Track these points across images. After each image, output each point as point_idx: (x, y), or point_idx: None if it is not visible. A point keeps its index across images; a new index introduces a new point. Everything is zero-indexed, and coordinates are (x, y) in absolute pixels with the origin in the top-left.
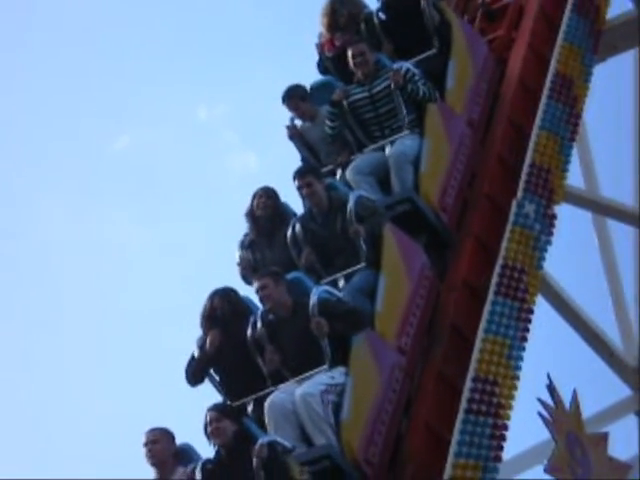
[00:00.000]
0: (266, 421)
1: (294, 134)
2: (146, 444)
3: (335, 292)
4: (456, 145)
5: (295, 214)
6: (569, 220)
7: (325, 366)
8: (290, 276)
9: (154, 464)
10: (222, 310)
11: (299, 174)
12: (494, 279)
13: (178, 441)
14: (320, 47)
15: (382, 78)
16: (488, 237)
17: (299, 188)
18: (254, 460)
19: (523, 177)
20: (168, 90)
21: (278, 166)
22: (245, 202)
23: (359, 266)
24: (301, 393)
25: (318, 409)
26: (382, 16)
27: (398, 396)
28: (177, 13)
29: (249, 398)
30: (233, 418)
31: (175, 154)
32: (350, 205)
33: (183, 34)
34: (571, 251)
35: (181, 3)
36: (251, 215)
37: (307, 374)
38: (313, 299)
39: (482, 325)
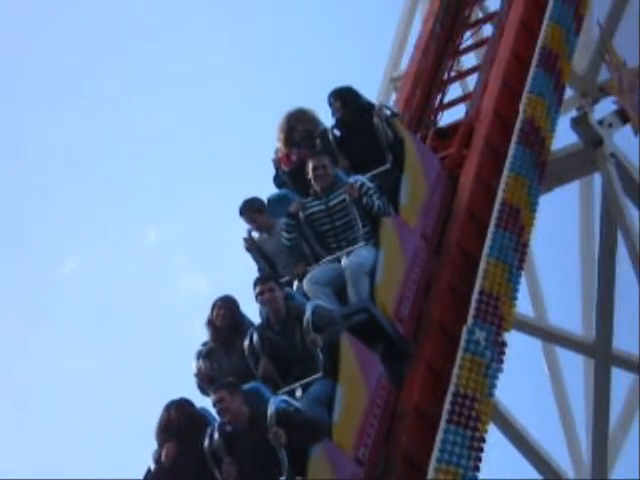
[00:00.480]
0: None
1: (251, 246)
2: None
3: (293, 402)
4: (411, 257)
5: (253, 324)
6: (519, 348)
7: (283, 478)
8: (248, 386)
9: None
10: (178, 422)
11: (261, 280)
12: (446, 407)
13: None
14: (276, 162)
15: (338, 192)
16: (439, 363)
17: (260, 293)
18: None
19: (473, 304)
20: (118, 212)
21: (228, 288)
22: (195, 324)
23: (316, 376)
24: None
25: None
26: (337, 132)
27: None
28: (126, 137)
29: None
30: None
31: (125, 277)
32: (307, 315)
33: (132, 157)
34: (522, 378)
35: (130, 128)
36: (211, 324)
37: None
38: (271, 409)
39: (435, 454)
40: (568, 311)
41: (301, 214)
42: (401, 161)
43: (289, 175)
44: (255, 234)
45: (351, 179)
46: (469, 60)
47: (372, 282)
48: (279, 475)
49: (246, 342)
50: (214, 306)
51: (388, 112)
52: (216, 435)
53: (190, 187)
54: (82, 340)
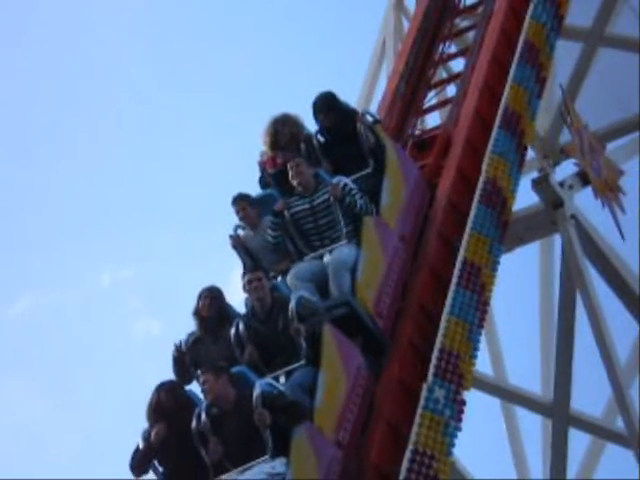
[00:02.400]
0: None
1: (237, 243)
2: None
3: (277, 386)
4: (390, 257)
5: (238, 314)
6: (478, 406)
7: (266, 456)
8: (234, 370)
9: None
10: (167, 403)
11: (250, 269)
12: (404, 465)
13: None
14: (262, 164)
15: (322, 191)
16: (399, 421)
17: (249, 282)
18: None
19: (433, 361)
20: (73, 253)
21: (182, 332)
22: (149, 367)
23: (299, 363)
24: None
25: None
26: (321, 138)
27: None
28: (83, 178)
29: None
30: None
31: (78, 319)
32: (292, 305)
33: (89, 198)
34: (480, 437)
35: (87, 170)
36: (197, 314)
37: (249, 464)
38: (256, 392)
39: None
40: (527, 371)
41: (286, 212)
42: (382, 166)
43: (274, 177)
44: (241, 232)
45: (335, 179)
46: (433, 119)
47: (353, 278)
48: (263, 454)
49: (232, 331)
50: (200, 296)
51: (370, 118)
52: (203, 416)
53: (145, 230)
54: (31, 383)
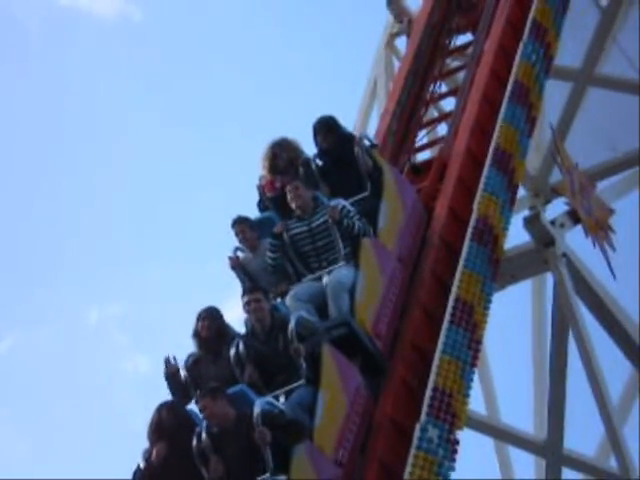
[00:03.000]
0: None
1: (236, 264)
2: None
3: (277, 404)
4: (388, 278)
5: (238, 334)
6: (471, 446)
7: (267, 475)
8: (233, 389)
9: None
10: (168, 422)
11: (249, 290)
12: None
13: None
14: (261, 188)
15: (320, 214)
16: (392, 461)
17: (247, 303)
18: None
19: (426, 401)
20: (59, 291)
21: None
22: (137, 404)
23: (299, 383)
24: None
25: None
26: (319, 162)
27: None
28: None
29: None
30: None
31: (64, 357)
32: (291, 325)
33: (75, 233)
34: (473, 477)
35: (73, 206)
36: (197, 335)
37: None
38: (256, 410)
39: None
40: (520, 410)
41: (285, 235)
42: (380, 189)
43: (272, 201)
44: (240, 254)
45: (333, 202)
46: (425, 157)
47: (352, 299)
48: (263, 473)
49: (232, 351)
50: (199, 318)
51: (368, 143)
52: (204, 435)
53: (133, 267)
54: (15, 423)
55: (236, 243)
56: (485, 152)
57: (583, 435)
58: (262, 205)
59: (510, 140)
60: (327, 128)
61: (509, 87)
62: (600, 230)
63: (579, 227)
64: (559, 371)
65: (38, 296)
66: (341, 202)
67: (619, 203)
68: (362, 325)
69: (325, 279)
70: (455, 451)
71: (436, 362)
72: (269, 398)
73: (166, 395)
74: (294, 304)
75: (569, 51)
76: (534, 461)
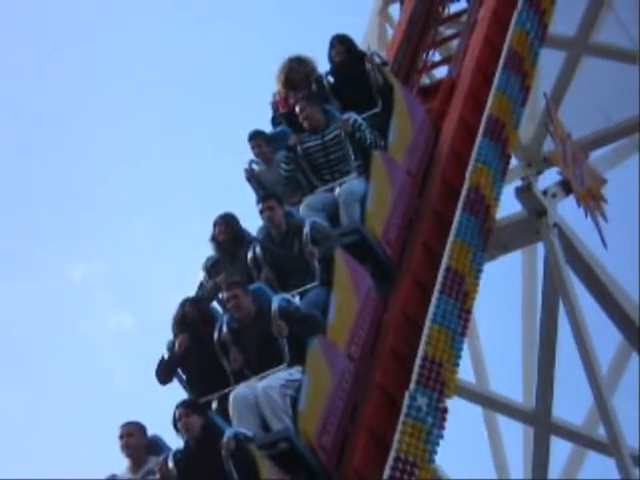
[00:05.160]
0: (230, 412)
1: (251, 176)
2: (121, 437)
3: (293, 301)
4: (397, 190)
5: (254, 237)
6: (460, 414)
7: (284, 365)
8: (253, 286)
9: (129, 455)
10: (192, 316)
11: (263, 198)
12: (386, 472)
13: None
14: (274, 104)
15: (332, 127)
16: (381, 429)
17: (261, 211)
18: (223, 452)
19: (416, 369)
20: (44, 246)
21: (155, 325)
22: (121, 361)
23: (313, 284)
24: (263, 386)
25: (278, 400)
26: (331, 79)
27: (347, 395)
28: (56, 173)
29: (214, 395)
30: (200, 413)
31: (48, 313)
32: (306, 229)
33: (59, 190)
34: (462, 445)
35: (60, 161)
36: (214, 240)
37: (267, 372)
38: (274, 305)
39: None
40: (509, 378)
41: (299, 148)
42: (390, 105)
43: (286, 117)
44: (255, 166)
45: (345, 115)
46: None
47: (363, 209)
48: (280, 364)
49: (249, 253)
50: (215, 224)
51: (379, 60)
52: (224, 328)
53: (117, 224)
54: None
55: (251, 156)
56: (478, 121)
57: (572, 404)
58: (275, 121)
59: (503, 109)
60: (342, 43)
61: (503, 55)
62: (592, 200)
63: (571, 197)
64: (549, 340)
65: (22, 252)
66: (353, 115)
67: (612, 173)
68: (372, 232)
69: (337, 190)
70: (444, 419)
71: (426, 331)
72: (286, 295)
73: (150, 353)
74: (307, 213)
75: (564, 19)
76: (522, 429)
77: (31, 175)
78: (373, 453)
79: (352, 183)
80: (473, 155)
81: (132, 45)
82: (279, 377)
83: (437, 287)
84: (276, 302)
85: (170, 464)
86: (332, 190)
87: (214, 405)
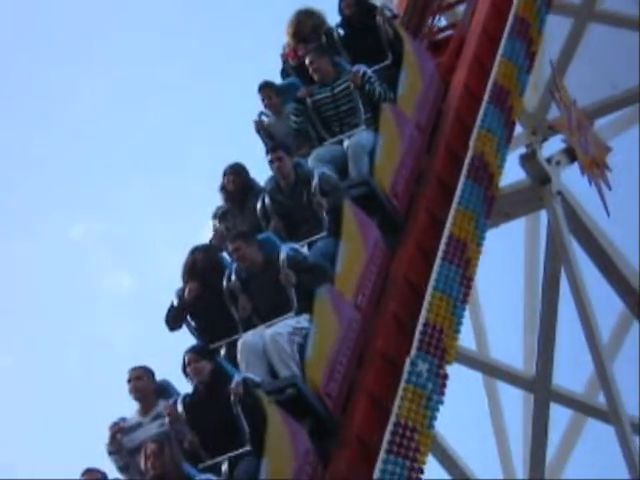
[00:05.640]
0: (238, 359)
1: (261, 128)
2: (129, 381)
3: (301, 250)
4: (406, 143)
5: (264, 188)
6: (460, 380)
7: (291, 313)
8: (261, 236)
9: (138, 398)
10: (202, 263)
11: (272, 149)
12: (386, 437)
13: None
14: (284, 56)
15: (342, 79)
16: (382, 394)
17: (270, 162)
18: (232, 396)
19: (417, 336)
20: (44, 205)
21: (153, 286)
22: (118, 321)
23: (321, 235)
24: (271, 333)
25: (286, 347)
26: (341, 31)
27: (354, 344)
28: (55, 131)
29: (222, 342)
30: (209, 358)
31: (46, 271)
32: (315, 180)
33: (61, 147)
34: (462, 411)
35: (58, 120)
36: (223, 189)
37: (275, 320)
38: (282, 255)
39: None
40: (510, 346)
41: (308, 100)
42: (400, 58)
43: (295, 69)
44: (264, 118)
45: (355, 68)
46: None
47: (371, 161)
48: (288, 312)
49: (258, 204)
50: (224, 174)
51: (389, 13)
52: (233, 276)
53: (117, 183)
54: None
55: (261, 108)
56: (483, 88)
57: (572, 372)
58: (285, 73)
59: (509, 76)
60: None
61: (509, 22)
62: (596, 168)
63: (575, 165)
64: (550, 308)
65: (21, 212)
66: (362, 68)
67: (616, 141)
68: (381, 185)
69: (346, 142)
70: (444, 385)
71: (428, 298)
72: (294, 245)
73: (148, 313)
74: (316, 165)
75: None
76: (523, 396)
77: (29, 134)
78: (374, 418)
79: (361, 135)
80: (477, 122)
81: None
82: (287, 325)
83: (439, 254)
84: (284, 251)
85: (179, 407)
86: (341, 143)
87: (222, 352)
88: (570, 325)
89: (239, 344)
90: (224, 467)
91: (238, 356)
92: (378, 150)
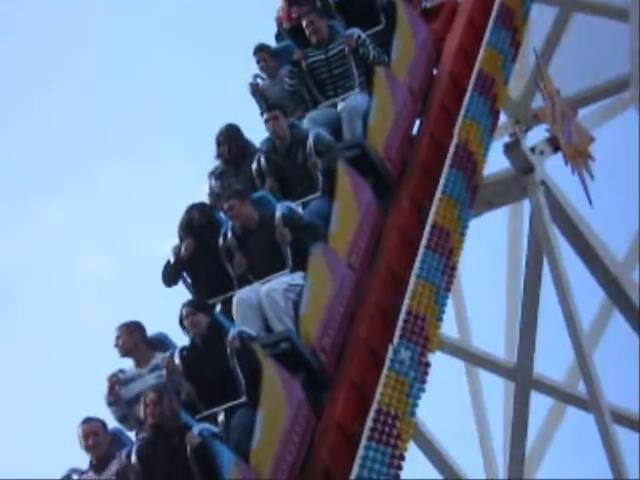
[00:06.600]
0: (234, 314)
1: (256, 90)
2: (116, 344)
3: (296, 209)
4: (399, 106)
5: (259, 149)
6: (443, 369)
7: (286, 270)
8: (257, 195)
9: (124, 355)
10: (198, 221)
11: (268, 108)
12: (368, 424)
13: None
14: (279, 20)
15: (336, 42)
16: (364, 381)
17: (266, 121)
18: (228, 349)
19: (399, 324)
20: (19, 188)
21: (132, 270)
22: (99, 306)
23: (315, 195)
24: (266, 289)
25: (280, 303)
26: None
27: (347, 301)
28: (31, 109)
29: (218, 298)
30: (206, 311)
31: (23, 255)
32: (310, 141)
33: (37, 134)
34: (444, 399)
35: (35, 100)
36: (219, 154)
37: (271, 277)
38: (278, 213)
39: (355, 470)
40: (492, 334)
41: (303, 63)
42: (393, 23)
43: (289, 32)
44: (260, 81)
45: (349, 31)
46: None
47: (365, 124)
48: (283, 269)
49: (254, 165)
50: (218, 142)
51: None
52: (229, 234)
53: (95, 165)
54: None
55: (256, 70)
56: (468, 76)
57: (553, 360)
58: (280, 37)
59: (493, 65)
60: None
61: (494, 10)
62: (579, 157)
63: (559, 155)
64: (532, 297)
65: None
66: (357, 31)
67: (600, 131)
68: (374, 147)
69: (340, 105)
70: (426, 373)
71: (411, 286)
72: (290, 203)
73: (127, 297)
74: (311, 127)
75: None
76: (504, 385)
77: (4, 117)
78: (355, 406)
79: (355, 98)
80: (462, 111)
81: None
82: (282, 281)
83: (423, 242)
84: (280, 210)
85: (177, 359)
86: (335, 105)
87: (218, 308)
88: (551, 314)
89: (234, 300)
90: (220, 417)
91: (234, 311)
92: (372, 113)
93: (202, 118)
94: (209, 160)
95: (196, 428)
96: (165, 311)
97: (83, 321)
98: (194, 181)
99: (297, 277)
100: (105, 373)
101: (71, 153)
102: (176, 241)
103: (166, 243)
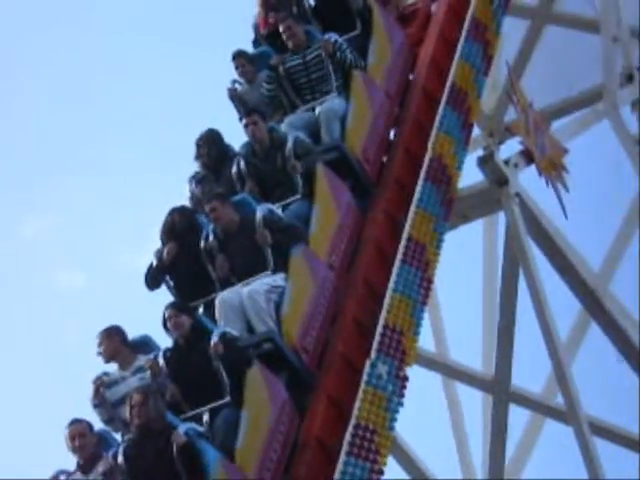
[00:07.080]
0: (216, 315)
1: (234, 95)
2: (99, 351)
3: (276, 211)
4: (376, 109)
5: (238, 153)
6: (420, 382)
7: (268, 272)
8: (237, 197)
9: (107, 361)
10: (180, 224)
11: (247, 113)
12: (346, 439)
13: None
14: (255, 26)
15: (314, 47)
16: (342, 396)
17: (245, 126)
18: (212, 353)
19: (377, 338)
20: None
21: (107, 284)
22: (72, 321)
23: (295, 197)
24: (248, 290)
25: (262, 304)
26: (311, 1)
27: (328, 301)
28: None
29: (200, 301)
30: (188, 313)
31: None
32: (289, 144)
33: (11, 146)
34: (422, 413)
35: (9, 116)
36: (199, 158)
37: (252, 279)
38: (259, 215)
39: None
40: (469, 347)
41: (280, 67)
42: (369, 28)
43: (267, 37)
44: (238, 86)
45: (326, 36)
46: None
47: (343, 127)
48: (265, 271)
49: (234, 169)
50: (198, 146)
51: None
52: (211, 236)
53: (69, 178)
54: None
55: (235, 76)
56: (441, 90)
57: (531, 373)
58: (257, 43)
59: (466, 78)
60: None
61: (466, 24)
62: (553, 170)
63: (533, 167)
64: (508, 309)
65: None
66: (334, 36)
67: (573, 142)
68: (352, 150)
69: (318, 109)
70: (404, 387)
71: (387, 300)
72: (270, 205)
73: (101, 311)
74: (289, 131)
75: None
76: (482, 398)
77: None
78: (333, 421)
79: (333, 102)
80: (436, 124)
81: None
82: (264, 282)
83: (399, 256)
84: (260, 211)
85: (161, 361)
86: (313, 109)
87: (200, 310)
88: (528, 326)
89: (217, 301)
90: (205, 417)
91: (216, 313)
92: (349, 116)
93: (176, 132)
94: (183, 175)
95: (182, 428)
96: (140, 323)
97: (57, 333)
98: (167, 196)
99: (279, 278)
100: (83, 385)
101: (43, 169)
102: (154, 249)
103: (139, 258)
